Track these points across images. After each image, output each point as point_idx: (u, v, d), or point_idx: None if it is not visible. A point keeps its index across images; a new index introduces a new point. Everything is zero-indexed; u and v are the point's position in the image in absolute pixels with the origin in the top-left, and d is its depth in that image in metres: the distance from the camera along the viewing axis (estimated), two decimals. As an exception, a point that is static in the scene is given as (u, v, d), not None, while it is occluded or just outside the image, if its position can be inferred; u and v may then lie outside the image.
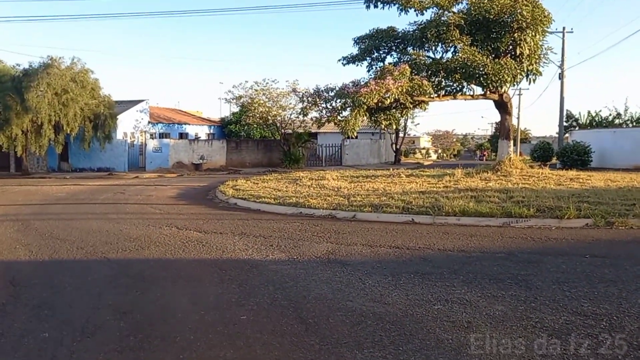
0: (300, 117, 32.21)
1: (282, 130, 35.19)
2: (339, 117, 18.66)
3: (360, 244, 8.70)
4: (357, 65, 21.45)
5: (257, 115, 33.41)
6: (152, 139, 33.78)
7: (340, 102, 18.54)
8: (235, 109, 39.43)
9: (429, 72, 19.09)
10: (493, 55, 18.94)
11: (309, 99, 20.22)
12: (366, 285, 6.23)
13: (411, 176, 19.54)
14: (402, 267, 7.05)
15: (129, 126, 32.70)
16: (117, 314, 5.39)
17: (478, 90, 20.03)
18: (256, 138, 38.86)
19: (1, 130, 25.42)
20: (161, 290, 6.25)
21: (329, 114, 19.06)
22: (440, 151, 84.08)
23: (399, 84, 17.08)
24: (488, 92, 19.60)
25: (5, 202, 15.78)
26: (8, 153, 28.56)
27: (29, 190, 19.15)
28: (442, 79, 19.56)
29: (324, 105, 19.51)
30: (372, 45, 20.92)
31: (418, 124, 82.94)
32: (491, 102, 20.97)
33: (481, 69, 17.92)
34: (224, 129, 41.56)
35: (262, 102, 33.04)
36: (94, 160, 30.52)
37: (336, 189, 15.86)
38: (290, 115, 34.14)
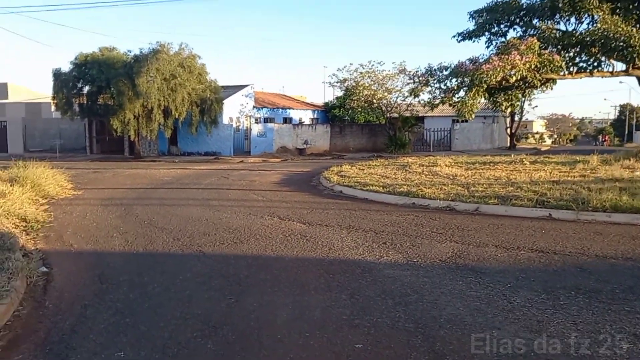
0: (408, 99, 30.67)
1: (388, 114, 33.67)
2: (454, 98, 16.93)
3: (492, 244, 7.22)
4: (474, 41, 19.52)
5: (362, 98, 32.14)
6: (257, 123, 33.72)
7: (456, 81, 16.77)
8: (339, 93, 38.45)
9: (560, 46, 16.78)
10: (639, 25, 16.24)
11: (420, 79, 18.62)
12: (514, 304, 4.83)
13: (536, 163, 17.41)
14: (556, 280, 5.55)
15: (234, 111, 32.82)
16: (206, 328, 4.45)
17: (619, 65, 17.36)
18: (360, 122, 37.65)
19: (115, 115, 26.26)
20: (258, 297, 5.27)
21: (442, 95, 17.37)
22: (555, 136, 78.15)
23: (526, 60, 15.05)
24: (631, 68, 16.89)
25: (115, 185, 15.87)
26: (122, 137, 29.61)
27: (137, 174, 19.38)
28: (575, 54, 17.13)
29: (437, 85, 17.82)
30: (491, 19, 18.88)
31: (536, 106, 77.67)
32: (616, 83, 18.19)
33: (625, 40, 15.36)
34: (328, 114, 40.76)
35: (366, 85, 31.71)
36: (201, 145, 30.94)
37: (451, 177, 14.28)
38: (396, 98, 32.55)
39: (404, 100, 32.43)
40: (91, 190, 14.72)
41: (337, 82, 33.62)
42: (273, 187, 14.96)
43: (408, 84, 31.18)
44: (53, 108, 29.37)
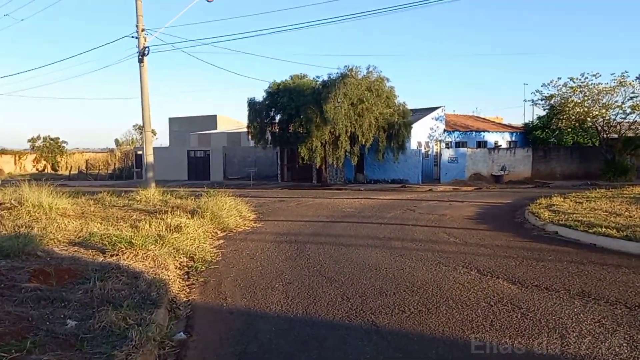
0: (630, 117, 25.77)
1: (604, 135, 28.72)
2: None
3: None
4: None
5: (573, 117, 27.79)
6: (448, 148, 31.33)
7: None
8: (542, 113, 34.25)
9: None
10: None
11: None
12: None
13: None
14: None
15: (423, 135, 30.92)
16: None
17: None
18: (568, 145, 32.92)
19: (303, 142, 26.17)
20: None
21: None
22: None
23: None
24: None
25: (295, 217, 15.00)
26: (310, 165, 29.58)
27: (320, 204, 18.48)
28: None
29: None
30: None
31: None
32: None
33: None
34: (528, 136, 36.53)
35: (578, 101, 27.38)
36: (388, 172, 29.56)
37: None
38: (616, 116, 27.58)
39: (625, 118, 27.39)
40: (271, 222, 13.98)
41: (541, 100, 29.76)
42: (467, 224, 12.66)
43: (631, 98, 26.35)
44: (249, 137, 30.53)
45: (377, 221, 13.55)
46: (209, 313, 6.11)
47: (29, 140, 57.33)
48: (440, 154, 30.28)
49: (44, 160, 55.38)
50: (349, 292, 6.63)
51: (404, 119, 27.17)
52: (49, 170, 53.39)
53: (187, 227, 11.13)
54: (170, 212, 13.02)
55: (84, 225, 10.48)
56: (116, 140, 66.70)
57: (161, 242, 9.25)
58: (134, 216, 13.30)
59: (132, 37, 20.96)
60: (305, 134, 26.29)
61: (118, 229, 10.34)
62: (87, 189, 25.47)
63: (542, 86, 29.93)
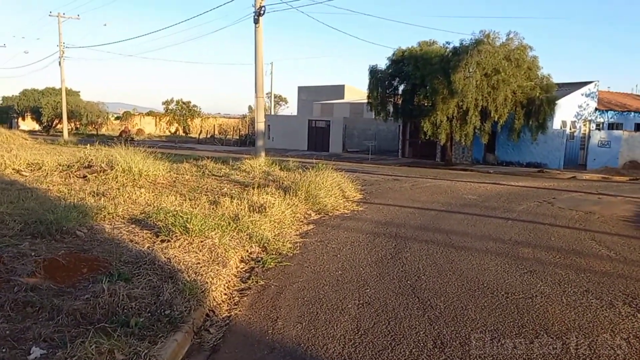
0: None
1: None
2: None
3: None
4: None
5: None
6: (598, 129, 26.91)
7: None
8: None
9: None
10: None
11: None
12: None
13: None
14: None
15: (569, 114, 26.77)
16: None
17: None
18: None
19: (427, 116, 23.65)
20: None
21: None
22: None
23: None
24: None
25: (406, 201, 12.96)
26: (434, 141, 26.93)
27: (439, 187, 16.15)
28: None
29: None
30: None
31: None
32: None
33: None
34: None
35: None
36: (523, 153, 26.03)
37: None
38: None
39: None
40: (376, 205, 12.11)
41: None
42: (625, 229, 9.78)
43: None
44: (369, 108, 28.52)
45: (504, 215, 11.07)
46: (244, 344, 4.42)
47: (163, 103, 60.09)
48: (589, 136, 26.05)
49: (177, 122, 57.83)
50: (447, 332, 4.59)
51: (547, 94, 23.45)
52: (180, 132, 55.69)
53: (273, 206, 9.63)
54: (263, 187, 11.65)
55: (157, 198, 9.37)
56: (249, 107, 68.18)
57: (234, 226, 7.83)
58: (225, 189, 12.14)
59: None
60: (429, 107, 23.75)
61: (195, 205, 9.10)
62: (204, 153, 25.34)
63: None
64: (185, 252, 6.23)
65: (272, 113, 61.00)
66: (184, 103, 58.15)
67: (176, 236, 6.72)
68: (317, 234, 8.91)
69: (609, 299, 5.56)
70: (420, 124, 24.37)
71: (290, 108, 56.97)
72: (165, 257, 5.82)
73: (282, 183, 12.81)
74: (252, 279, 6.16)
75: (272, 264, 6.80)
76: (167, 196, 9.68)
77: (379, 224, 9.87)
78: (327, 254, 7.42)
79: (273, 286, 5.93)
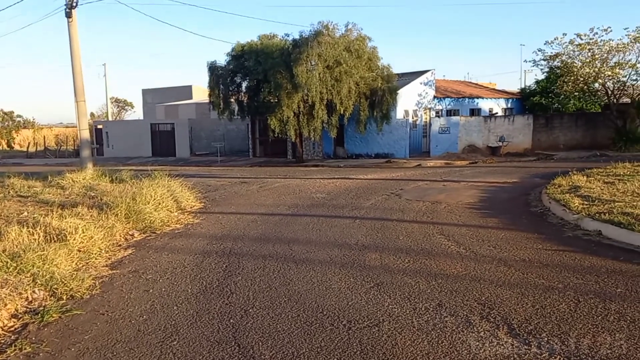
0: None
1: (614, 99, 25.44)
2: None
3: None
4: None
5: (581, 79, 24.33)
6: (438, 117, 27.93)
7: None
8: (540, 76, 30.88)
9: None
10: None
11: None
12: None
13: None
14: None
15: (410, 103, 27.42)
16: None
17: None
18: (571, 111, 29.60)
19: (273, 112, 22.64)
20: None
21: None
22: None
23: None
24: None
25: (249, 207, 11.68)
26: (285, 139, 26.05)
27: (287, 187, 15.14)
28: None
29: None
30: None
31: None
32: None
33: None
34: (525, 102, 33.14)
35: (586, 61, 23.91)
36: (371, 145, 26.18)
37: None
38: (628, 78, 24.30)
39: (637, 80, 24.19)
40: (215, 215, 10.70)
41: (543, 60, 26.30)
42: (471, 218, 9.43)
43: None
44: (211, 107, 26.85)
45: (351, 214, 10.26)
46: None
47: (-24, 115, 52.68)
48: (430, 124, 26.92)
49: (-1, 136, 51.07)
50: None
51: (388, 84, 23.68)
52: (4, 146, 49.19)
53: (77, 232, 7.78)
54: (72, 207, 9.64)
55: None
56: (91, 114, 62.44)
57: (13, 266, 5.97)
58: (25, 213, 9.90)
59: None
60: (275, 103, 22.77)
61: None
62: (29, 169, 21.95)
63: (544, 44, 26.44)
64: None
65: (117, 118, 56.40)
66: (5, 114, 51.41)
67: None
68: (133, 261, 7.29)
69: (465, 313, 4.74)
70: (268, 121, 23.32)
71: (138, 113, 53.05)
72: None
73: (101, 199, 10.86)
74: (17, 344, 4.46)
75: (54, 315, 5.12)
76: None
77: (214, 239, 8.48)
78: (136, 290, 5.88)
79: (42, 354, 4.28)
